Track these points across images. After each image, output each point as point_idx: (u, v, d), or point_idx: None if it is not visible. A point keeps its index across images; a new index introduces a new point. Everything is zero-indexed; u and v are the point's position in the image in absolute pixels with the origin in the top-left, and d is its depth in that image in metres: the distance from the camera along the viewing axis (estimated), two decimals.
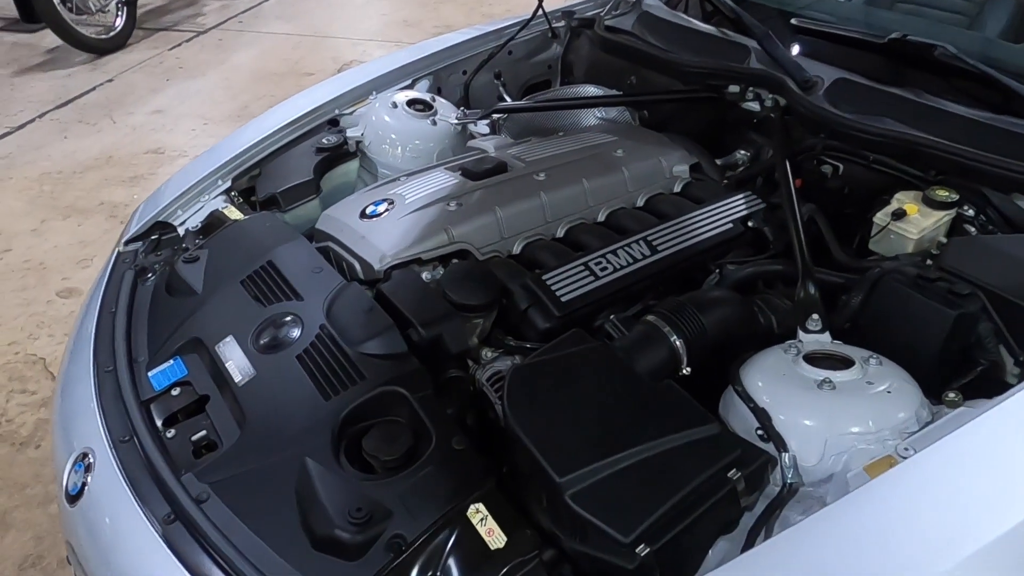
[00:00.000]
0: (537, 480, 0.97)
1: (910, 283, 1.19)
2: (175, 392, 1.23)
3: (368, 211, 1.45)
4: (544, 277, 1.27)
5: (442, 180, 1.52)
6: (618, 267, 1.31)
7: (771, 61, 1.73)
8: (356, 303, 1.24)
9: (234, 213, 1.64)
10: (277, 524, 1.00)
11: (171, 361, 1.29)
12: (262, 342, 1.23)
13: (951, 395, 1.03)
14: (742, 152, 1.78)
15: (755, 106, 1.70)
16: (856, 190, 1.53)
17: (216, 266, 1.45)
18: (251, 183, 1.78)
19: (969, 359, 1.16)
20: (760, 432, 1.02)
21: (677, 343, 1.13)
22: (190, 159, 3.10)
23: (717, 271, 1.38)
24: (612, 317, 1.21)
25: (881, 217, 1.35)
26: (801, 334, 1.16)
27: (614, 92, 1.95)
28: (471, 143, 1.75)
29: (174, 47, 5.38)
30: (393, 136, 1.84)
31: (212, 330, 1.30)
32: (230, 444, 1.12)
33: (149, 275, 1.52)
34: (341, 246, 1.42)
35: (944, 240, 1.34)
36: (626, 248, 1.34)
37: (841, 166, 1.54)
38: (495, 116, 1.90)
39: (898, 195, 1.39)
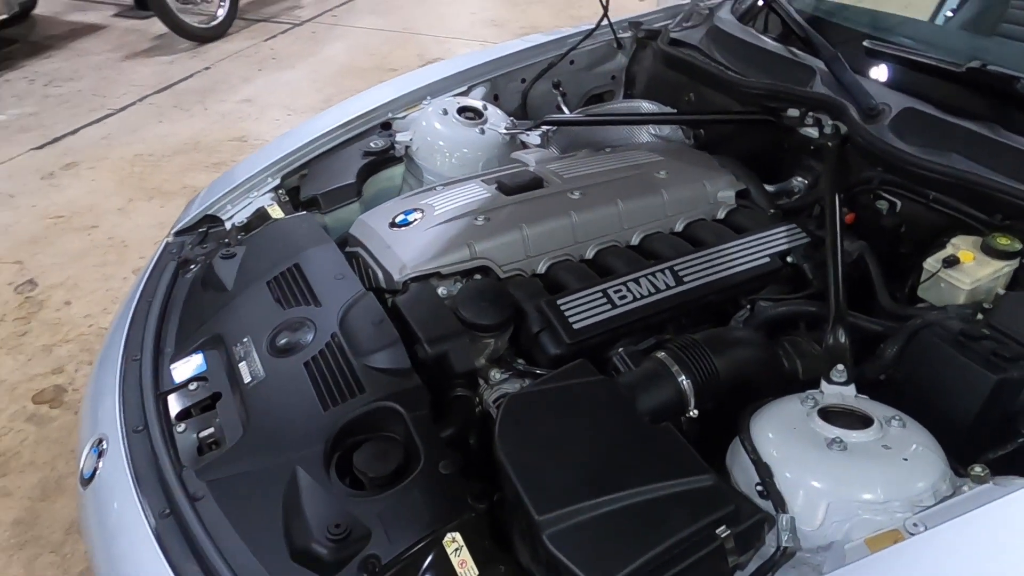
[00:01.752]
0: (519, 513, 0.95)
1: (951, 339, 1.09)
2: (192, 387, 1.26)
3: (398, 220, 1.45)
4: (559, 302, 1.24)
5: (475, 192, 1.51)
6: (638, 296, 1.26)
7: (837, 85, 1.63)
8: (368, 314, 1.24)
9: (276, 212, 1.67)
10: (262, 530, 1.01)
11: (193, 355, 1.32)
12: (275, 345, 1.25)
13: (977, 469, 0.94)
14: (799, 179, 1.69)
15: (813, 132, 1.60)
16: (913, 230, 1.43)
17: (249, 264, 1.49)
18: (299, 182, 1.82)
19: (1011, 429, 1.05)
20: (760, 488, 0.96)
21: (684, 383, 1.07)
22: None
23: (748, 307, 1.31)
24: (620, 350, 1.17)
25: (932, 263, 1.25)
26: (824, 384, 1.09)
27: (667, 109, 1.88)
28: (514, 155, 1.73)
29: (269, 38, 5.58)
30: (441, 143, 1.84)
31: (233, 328, 1.33)
32: (232, 444, 1.14)
33: (191, 267, 1.57)
34: (368, 253, 1.43)
35: (1002, 293, 1.23)
36: (649, 277, 1.28)
37: (899, 203, 1.44)
38: (545, 128, 1.86)
39: (955, 239, 1.29)
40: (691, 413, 1.09)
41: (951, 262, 1.22)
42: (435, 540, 0.95)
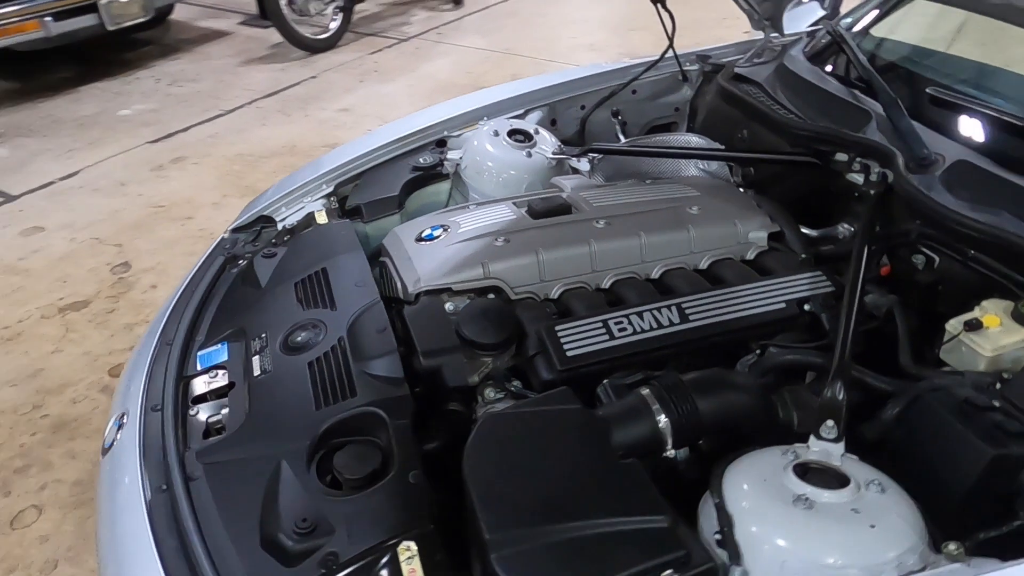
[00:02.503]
0: (475, 530, 0.97)
1: (953, 407, 1.03)
2: (212, 374, 1.35)
3: (423, 235, 1.51)
4: (557, 328, 1.25)
5: (502, 214, 1.54)
6: (639, 330, 1.25)
7: (892, 131, 1.57)
8: (374, 322, 1.30)
9: (322, 218, 1.76)
10: (242, 515, 1.07)
11: (219, 345, 1.42)
12: (288, 342, 1.32)
13: (952, 547, 0.88)
14: (845, 226, 1.63)
15: (859, 178, 1.55)
16: (951, 289, 1.35)
17: (285, 264, 1.58)
18: (350, 191, 1.90)
19: (1008, 510, 0.98)
20: (719, 536, 0.94)
21: (662, 423, 1.06)
22: None
23: (757, 352, 1.28)
24: (605, 382, 1.16)
25: (954, 324, 1.19)
26: (812, 439, 1.05)
27: (716, 145, 1.86)
28: (553, 180, 1.75)
29: (375, 52, 5.83)
30: (490, 164, 1.88)
31: (256, 323, 1.41)
32: (232, 431, 1.21)
33: (239, 262, 1.68)
34: (393, 264, 1.49)
35: None
36: (654, 311, 1.28)
37: (937, 259, 1.37)
38: (591, 155, 1.88)
39: (985, 302, 1.21)
40: (668, 453, 1.07)
41: (973, 326, 1.16)
42: (391, 546, 0.98)
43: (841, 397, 1.08)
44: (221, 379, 1.33)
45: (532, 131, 1.94)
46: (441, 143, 2.02)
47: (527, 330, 1.28)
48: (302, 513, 1.03)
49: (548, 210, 1.54)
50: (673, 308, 1.28)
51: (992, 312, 1.18)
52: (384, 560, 0.97)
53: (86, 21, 5.08)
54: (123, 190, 3.92)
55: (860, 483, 0.96)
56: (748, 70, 2.09)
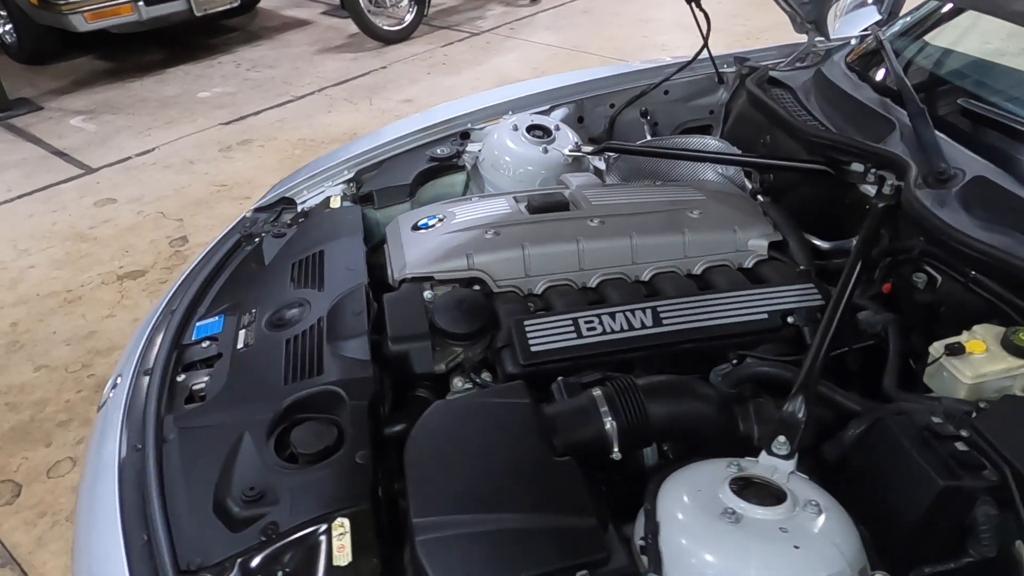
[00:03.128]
0: (406, 513, 0.98)
1: (913, 434, 0.98)
2: (205, 344, 1.41)
3: (420, 223, 1.53)
4: (526, 323, 1.25)
5: (499, 207, 1.55)
6: (609, 330, 1.24)
7: (916, 142, 1.50)
8: (353, 305, 1.33)
9: (336, 202, 1.81)
10: (202, 479, 1.12)
11: (216, 317, 1.48)
12: (273, 319, 1.37)
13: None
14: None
15: (871, 189, 1.48)
16: (952, 311, 1.28)
17: (290, 245, 1.63)
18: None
19: (960, 546, 0.93)
20: (642, 543, 0.92)
21: (609, 425, 1.05)
22: None
23: (733, 362, 1.24)
24: (560, 379, 1.16)
25: (936, 347, 1.12)
26: (762, 454, 1.02)
27: (732, 149, 1.81)
28: (562, 176, 1.75)
29: (447, 44, 5.91)
30: (507, 159, 1.89)
31: (250, 298, 1.47)
32: (210, 399, 1.27)
33: (256, 240, 1.75)
34: (388, 250, 1.52)
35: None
36: (626, 313, 1.26)
37: (939, 279, 1.30)
38: (608, 154, 1.86)
39: (978, 327, 1.14)
40: (614, 455, 1.06)
41: (955, 350, 1.09)
42: (326, 521, 1.01)
43: (801, 414, 1.04)
44: (211, 349, 1.39)
45: (552, 127, 1.93)
46: (465, 135, 2.04)
47: (501, 323, 1.29)
48: (252, 482, 1.07)
49: (545, 206, 1.54)
50: (647, 311, 1.26)
51: (981, 337, 1.11)
52: (318, 534, 1.00)
53: (176, 7, 5.36)
54: (191, 168, 4.12)
55: (797, 503, 0.92)
56: (785, 74, 2.03)
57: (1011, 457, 0.93)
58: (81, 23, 5.04)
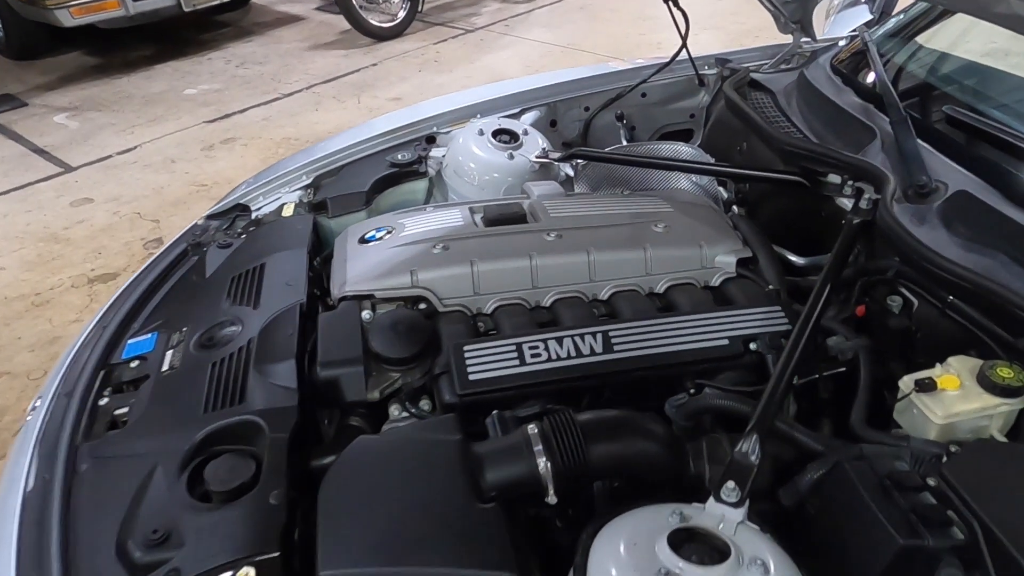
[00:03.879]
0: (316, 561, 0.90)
1: (874, 482, 0.89)
2: (134, 364, 1.32)
3: (367, 235, 1.44)
4: (466, 348, 1.16)
5: (452, 218, 1.46)
6: (555, 357, 1.14)
7: (897, 153, 1.40)
8: (285, 326, 1.24)
9: (288, 210, 1.72)
10: (108, 516, 1.03)
11: (148, 335, 1.39)
12: (202, 339, 1.28)
13: None
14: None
15: (847, 203, 1.38)
16: (928, 338, 1.18)
17: (234, 257, 1.54)
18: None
19: None
20: None
21: (542, 467, 0.96)
22: None
23: (688, 392, 1.15)
24: (495, 413, 1.07)
25: (906, 382, 1.03)
26: (710, 501, 0.92)
27: (705, 157, 1.72)
28: (525, 184, 1.65)
29: (440, 42, 5.82)
30: (472, 165, 1.80)
31: (182, 315, 1.38)
32: (128, 427, 1.18)
33: (205, 249, 1.66)
34: (333, 264, 1.43)
35: (998, 438, 0.99)
36: (575, 338, 1.17)
37: (916, 302, 1.20)
38: (576, 161, 1.77)
39: (953, 359, 1.05)
40: (549, 499, 0.97)
41: (926, 386, 1.00)
42: (232, 569, 0.92)
43: (754, 456, 0.94)
44: (140, 370, 1.30)
45: (520, 132, 1.84)
46: (430, 139, 1.95)
47: (443, 346, 1.20)
48: (159, 522, 0.98)
49: (501, 218, 1.45)
50: (597, 336, 1.17)
51: (955, 372, 1.01)
52: None
53: (163, 1, 5.27)
54: (172, 167, 4.03)
55: (742, 561, 0.83)
56: (767, 77, 1.94)
57: (982, 512, 0.84)
58: (67, 18, 4.96)
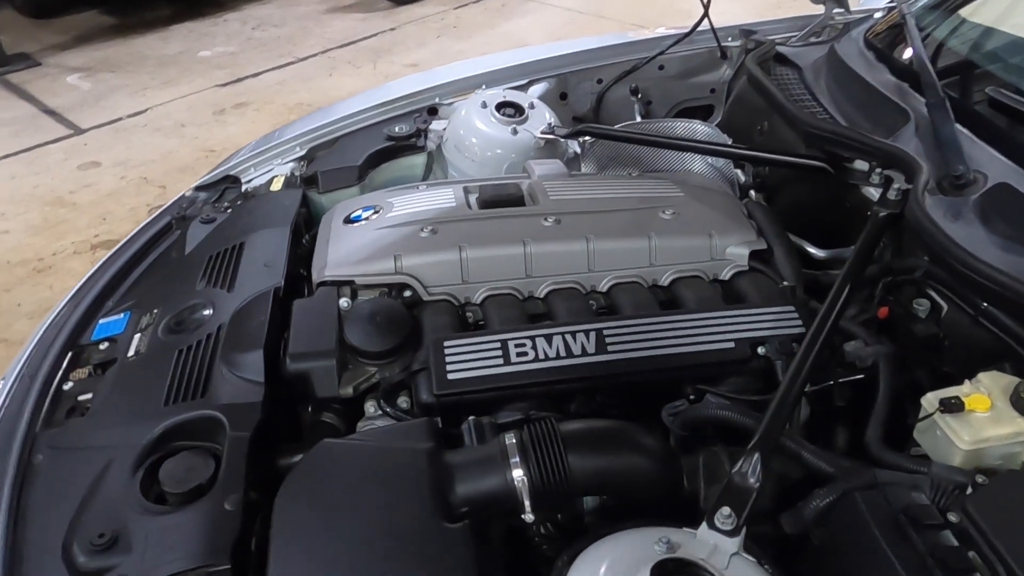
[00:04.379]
0: None
1: (887, 517, 0.79)
2: (103, 346, 1.25)
3: (352, 215, 1.35)
4: (447, 343, 1.07)
5: (443, 199, 1.36)
6: (543, 357, 1.05)
7: (933, 138, 1.28)
8: (256, 313, 1.15)
9: (277, 184, 1.63)
10: (59, 514, 0.96)
11: (121, 315, 1.32)
12: (171, 323, 1.20)
13: None
14: None
15: (874, 193, 1.27)
16: (957, 347, 1.07)
17: (216, 234, 1.46)
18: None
19: None
20: None
21: (517, 481, 0.87)
22: None
23: (688, 399, 1.05)
24: (471, 419, 0.97)
25: (930, 400, 0.92)
26: (702, 527, 0.83)
27: (722, 137, 1.59)
28: (527, 163, 1.54)
29: (460, 7, 5.65)
30: (473, 140, 1.69)
31: (154, 295, 1.31)
32: (91, 414, 1.11)
33: (194, 222, 1.57)
34: (316, 245, 1.34)
35: None
36: (566, 336, 1.07)
37: (945, 307, 1.09)
38: (583, 138, 1.65)
39: (984, 375, 0.94)
40: (526, 517, 0.88)
41: (952, 407, 0.89)
42: None
43: (753, 479, 0.85)
44: (108, 353, 1.23)
45: (526, 105, 1.72)
46: (432, 111, 1.85)
47: (425, 340, 1.11)
48: (107, 524, 0.91)
49: (496, 199, 1.34)
50: (591, 334, 1.07)
51: (986, 390, 0.90)
52: None
53: None
54: (181, 131, 3.96)
55: None
56: (795, 51, 1.80)
57: (1009, 556, 0.74)
58: None
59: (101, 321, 1.31)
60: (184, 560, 0.86)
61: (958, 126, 1.27)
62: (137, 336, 1.21)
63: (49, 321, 1.33)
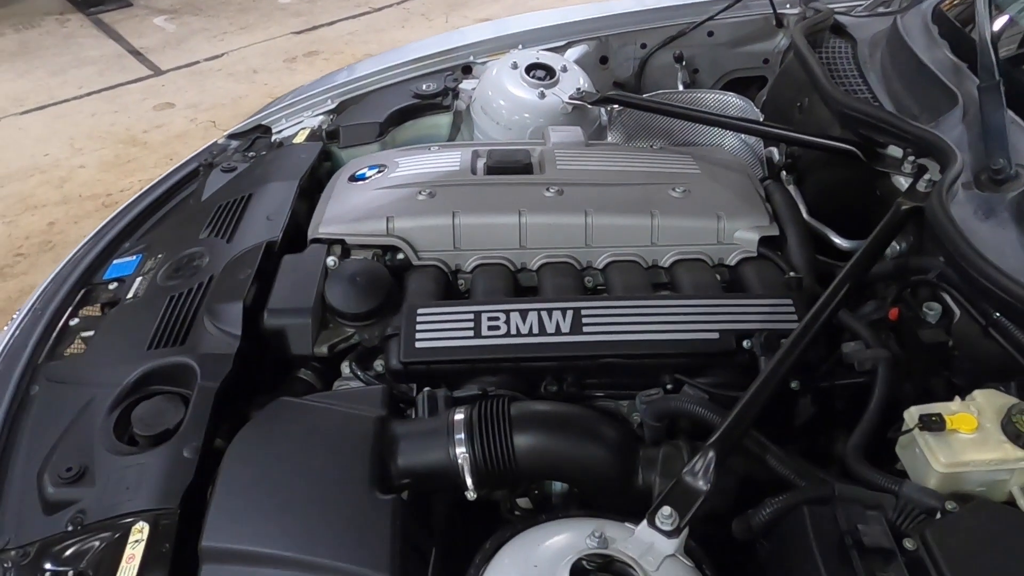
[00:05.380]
0: None
1: (830, 536, 0.74)
2: (112, 286, 1.29)
3: (357, 173, 1.34)
4: (421, 311, 1.05)
5: (450, 162, 1.33)
6: (515, 332, 1.02)
7: (981, 125, 1.16)
8: (245, 266, 1.17)
9: (300, 137, 1.64)
10: (42, 445, 1.01)
11: (134, 256, 1.36)
12: (170, 269, 1.23)
13: None
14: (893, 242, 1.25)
15: (904, 182, 1.17)
16: (967, 358, 0.98)
17: (233, 183, 1.48)
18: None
19: None
20: None
21: (460, 458, 0.85)
22: None
23: (664, 388, 1.01)
24: (426, 390, 0.96)
25: (912, 413, 0.85)
26: (642, 525, 0.80)
27: (755, 113, 1.50)
28: (545, 128, 1.49)
29: None
30: (501, 102, 1.65)
31: (163, 240, 1.34)
32: (87, 352, 1.16)
33: (215, 170, 1.60)
34: (320, 201, 1.34)
35: (1022, 500, 0.80)
36: (541, 313, 1.03)
37: (958, 313, 1.00)
38: (611, 106, 1.59)
39: (979, 393, 0.86)
40: (469, 495, 0.87)
41: (932, 424, 0.82)
42: (128, 523, 0.88)
43: (702, 481, 0.81)
44: (116, 292, 1.28)
45: (558, 68, 1.66)
46: (467, 69, 1.81)
47: (404, 304, 1.10)
48: (76, 459, 0.95)
49: (502, 166, 1.31)
50: (567, 313, 1.03)
51: (976, 410, 0.83)
52: (116, 536, 0.87)
53: None
54: (253, 78, 4.04)
55: None
56: (856, 22, 1.66)
57: None
58: None
59: (115, 261, 1.36)
60: (137, 501, 0.89)
61: (1011, 114, 1.16)
62: (139, 280, 1.25)
63: (69, 258, 1.39)
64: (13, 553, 0.89)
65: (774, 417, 1.00)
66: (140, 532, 0.87)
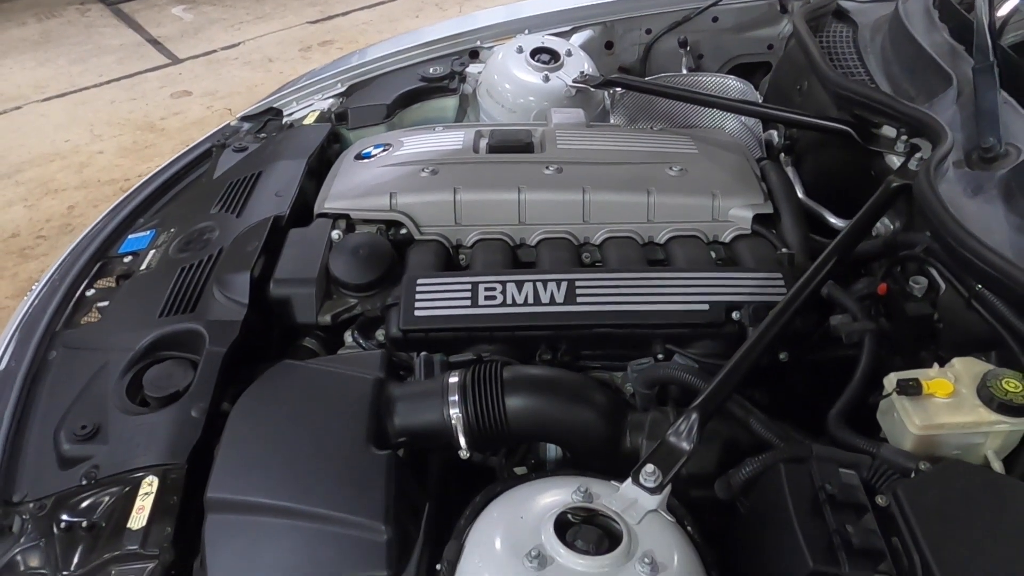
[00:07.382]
0: None
1: (805, 491, 0.77)
2: (127, 260, 1.34)
3: (363, 152, 1.38)
4: (420, 281, 1.09)
5: (453, 141, 1.36)
6: (511, 302, 1.06)
7: (973, 106, 1.18)
8: (253, 238, 1.21)
9: (310, 119, 1.68)
10: (58, 405, 1.06)
11: (148, 231, 1.41)
12: (182, 242, 1.28)
13: None
14: (885, 222, 1.27)
15: (895, 160, 1.19)
16: (951, 330, 1.01)
17: (244, 162, 1.52)
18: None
19: None
20: (439, 568, 0.78)
21: (453, 418, 0.89)
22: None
23: (656, 358, 1.04)
24: (423, 354, 1.00)
25: (890, 379, 0.88)
26: (627, 483, 0.83)
27: (754, 95, 1.52)
28: (548, 110, 1.52)
29: None
30: (506, 86, 1.68)
31: (175, 216, 1.39)
32: (102, 320, 1.21)
33: (227, 150, 1.65)
34: (327, 178, 1.38)
35: (992, 462, 0.83)
36: (536, 284, 1.07)
37: (943, 287, 1.02)
38: (614, 89, 1.61)
39: (957, 360, 0.88)
40: (462, 453, 0.91)
41: (909, 388, 0.84)
42: (136, 476, 0.93)
43: (686, 441, 0.84)
44: (130, 265, 1.33)
45: (563, 52, 1.69)
46: (474, 54, 1.84)
47: (404, 276, 1.14)
48: (90, 418, 1.00)
49: (504, 145, 1.34)
50: (562, 284, 1.07)
51: (953, 376, 0.85)
52: (127, 489, 0.92)
53: None
54: (268, 66, 4.10)
55: (631, 554, 0.74)
56: (860, 7, 1.68)
57: (928, 549, 0.70)
58: None
59: (130, 236, 1.41)
60: (147, 456, 0.94)
61: (1004, 95, 1.18)
62: (152, 252, 1.30)
63: (86, 232, 1.44)
64: (31, 506, 0.94)
65: (766, 389, 1.04)
66: (150, 485, 0.92)
